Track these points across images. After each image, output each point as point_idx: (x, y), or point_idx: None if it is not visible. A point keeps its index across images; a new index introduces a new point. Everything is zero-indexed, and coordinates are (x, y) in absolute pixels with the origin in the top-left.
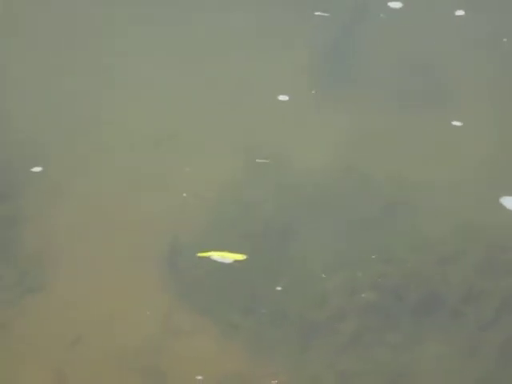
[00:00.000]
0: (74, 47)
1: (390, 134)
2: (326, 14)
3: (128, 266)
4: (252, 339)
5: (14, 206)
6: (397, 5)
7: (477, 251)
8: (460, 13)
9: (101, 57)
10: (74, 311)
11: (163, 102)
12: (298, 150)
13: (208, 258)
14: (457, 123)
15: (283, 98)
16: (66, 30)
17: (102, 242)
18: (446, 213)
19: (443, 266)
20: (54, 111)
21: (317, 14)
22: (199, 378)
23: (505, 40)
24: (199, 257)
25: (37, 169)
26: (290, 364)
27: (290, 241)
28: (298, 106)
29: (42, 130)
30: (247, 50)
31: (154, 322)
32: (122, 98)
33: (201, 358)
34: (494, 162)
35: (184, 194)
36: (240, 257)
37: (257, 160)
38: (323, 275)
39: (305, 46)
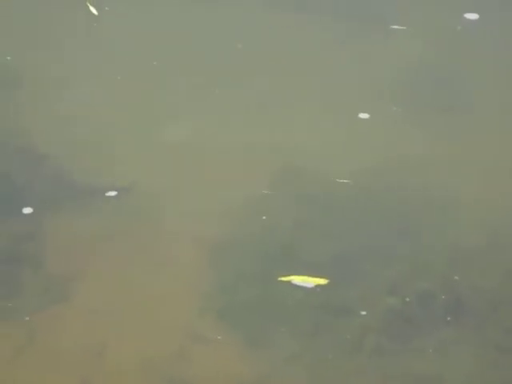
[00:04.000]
0: None
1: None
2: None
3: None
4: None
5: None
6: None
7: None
8: None
9: None
10: (98, 321)
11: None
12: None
13: (289, 283)
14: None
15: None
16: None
17: (128, 249)
18: (479, 224)
19: (471, 274)
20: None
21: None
22: None
23: None
24: (280, 281)
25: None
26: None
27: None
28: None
29: None
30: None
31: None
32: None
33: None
34: None
35: (264, 217)
36: (322, 281)
37: (337, 180)
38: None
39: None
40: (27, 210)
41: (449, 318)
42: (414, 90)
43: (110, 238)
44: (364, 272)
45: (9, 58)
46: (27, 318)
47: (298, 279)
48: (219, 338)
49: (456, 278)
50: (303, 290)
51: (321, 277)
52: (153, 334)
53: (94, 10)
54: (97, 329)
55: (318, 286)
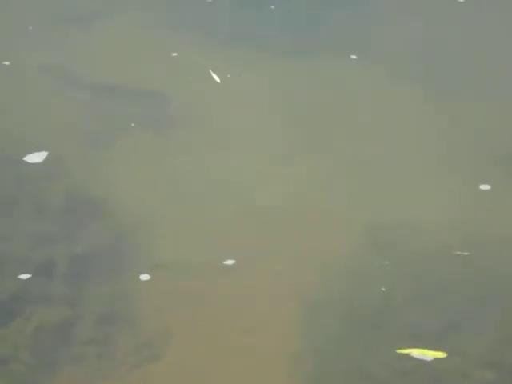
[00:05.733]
0: None
1: None
2: None
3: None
4: None
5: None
6: None
7: None
8: None
9: None
10: (190, 381)
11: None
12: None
13: (408, 355)
14: None
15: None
16: None
17: (219, 313)
18: None
19: None
20: None
21: None
22: None
23: None
24: (398, 353)
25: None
26: None
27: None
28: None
29: None
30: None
31: None
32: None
33: None
34: None
35: (383, 288)
36: (441, 354)
37: (456, 253)
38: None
39: None
40: (145, 277)
41: None
42: None
43: (196, 296)
44: (478, 345)
45: (133, 124)
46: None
47: (416, 352)
48: None
49: None
50: (421, 362)
51: (439, 350)
52: None
53: (216, 78)
54: None
55: (436, 359)
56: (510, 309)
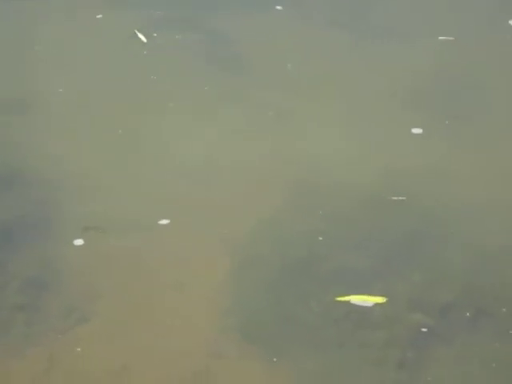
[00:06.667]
0: None
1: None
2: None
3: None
4: None
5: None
6: None
7: None
8: None
9: None
10: (119, 341)
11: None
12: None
13: (347, 303)
14: None
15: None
16: None
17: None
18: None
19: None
20: None
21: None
22: None
23: None
24: (337, 301)
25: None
26: None
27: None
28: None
29: None
30: None
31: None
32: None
33: None
34: None
35: (320, 238)
36: (380, 300)
37: (392, 198)
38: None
39: None
40: (78, 242)
41: None
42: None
43: (130, 258)
44: (411, 288)
45: (61, 90)
46: (49, 342)
47: (356, 299)
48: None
49: None
50: (362, 309)
51: (379, 295)
52: (174, 354)
53: (142, 38)
54: (118, 350)
55: (377, 304)
56: (445, 251)
